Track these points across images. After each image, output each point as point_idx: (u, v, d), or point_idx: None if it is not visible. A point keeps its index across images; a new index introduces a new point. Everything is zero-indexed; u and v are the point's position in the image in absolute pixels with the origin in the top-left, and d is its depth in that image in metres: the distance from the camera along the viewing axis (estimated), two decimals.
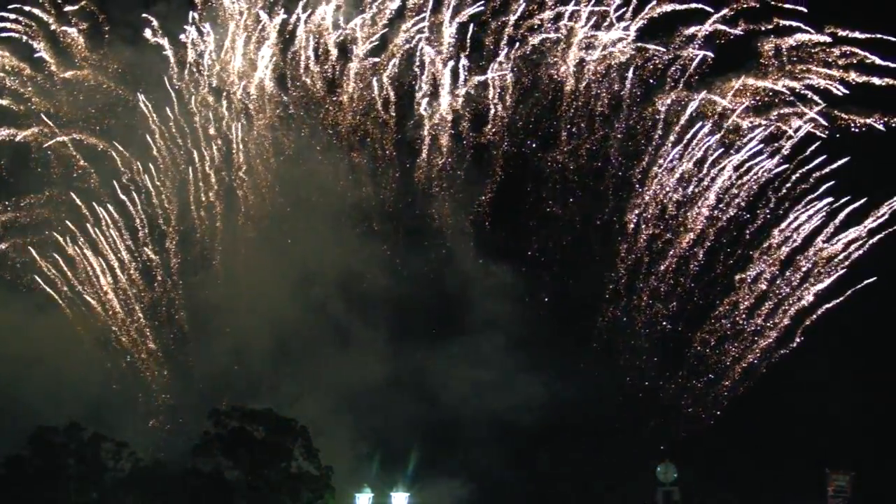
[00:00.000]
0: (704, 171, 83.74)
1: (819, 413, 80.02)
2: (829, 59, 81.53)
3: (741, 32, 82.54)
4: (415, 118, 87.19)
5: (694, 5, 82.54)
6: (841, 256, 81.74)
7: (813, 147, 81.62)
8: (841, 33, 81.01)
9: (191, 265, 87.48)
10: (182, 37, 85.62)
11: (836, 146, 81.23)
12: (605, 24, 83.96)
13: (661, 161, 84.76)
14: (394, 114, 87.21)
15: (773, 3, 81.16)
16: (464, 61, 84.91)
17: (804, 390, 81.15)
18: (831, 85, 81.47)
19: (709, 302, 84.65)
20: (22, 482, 67.76)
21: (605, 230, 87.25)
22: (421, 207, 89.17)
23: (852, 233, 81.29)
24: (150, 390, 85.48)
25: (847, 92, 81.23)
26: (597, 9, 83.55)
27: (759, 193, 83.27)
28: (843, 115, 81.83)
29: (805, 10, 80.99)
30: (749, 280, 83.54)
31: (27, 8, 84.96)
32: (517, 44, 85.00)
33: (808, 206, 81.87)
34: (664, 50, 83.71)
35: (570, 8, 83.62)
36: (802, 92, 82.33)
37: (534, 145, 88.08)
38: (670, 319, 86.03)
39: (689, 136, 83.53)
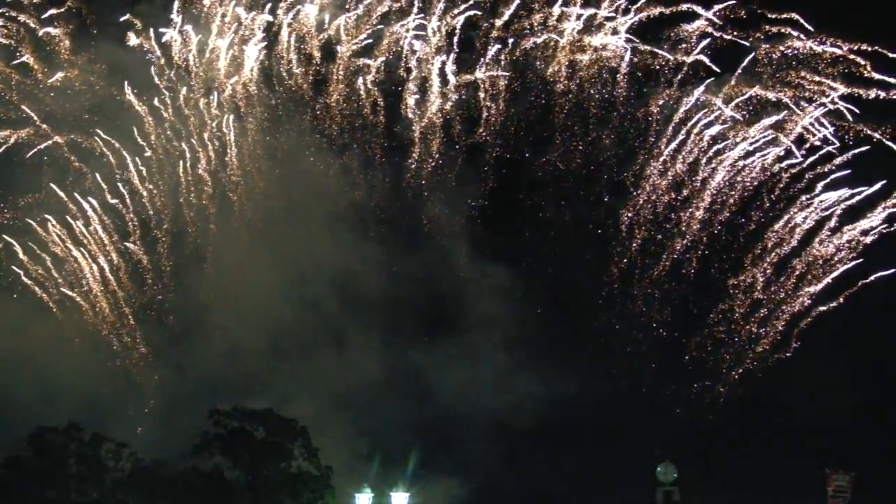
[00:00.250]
0: (698, 174, 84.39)
1: (819, 413, 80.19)
2: (822, 68, 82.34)
3: (733, 37, 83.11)
4: (404, 120, 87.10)
5: (684, 6, 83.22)
6: (837, 257, 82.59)
7: (806, 147, 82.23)
8: (835, 42, 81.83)
9: (184, 266, 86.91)
10: (165, 38, 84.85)
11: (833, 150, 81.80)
12: (596, 24, 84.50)
13: (653, 163, 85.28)
14: (383, 118, 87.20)
15: (763, 12, 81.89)
16: (451, 66, 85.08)
17: (804, 390, 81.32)
18: (825, 92, 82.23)
19: (705, 308, 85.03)
20: (22, 482, 67.48)
21: (598, 233, 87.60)
22: (414, 208, 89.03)
23: (848, 233, 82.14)
24: (143, 391, 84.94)
25: (844, 104, 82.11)
26: (587, 11, 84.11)
27: (753, 196, 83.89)
28: (838, 122, 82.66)
29: (798, 18, 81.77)
30: (744, 285, 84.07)
31: (11, 13, 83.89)
32: (509, 44, 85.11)
33: (803, 208, 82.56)
34: (658, 52, 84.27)
35: (560, 9, 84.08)
36: (795, 99, 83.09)
37: (527, 154, 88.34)
38: (665, 326, 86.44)
39: (681, 137, 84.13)
